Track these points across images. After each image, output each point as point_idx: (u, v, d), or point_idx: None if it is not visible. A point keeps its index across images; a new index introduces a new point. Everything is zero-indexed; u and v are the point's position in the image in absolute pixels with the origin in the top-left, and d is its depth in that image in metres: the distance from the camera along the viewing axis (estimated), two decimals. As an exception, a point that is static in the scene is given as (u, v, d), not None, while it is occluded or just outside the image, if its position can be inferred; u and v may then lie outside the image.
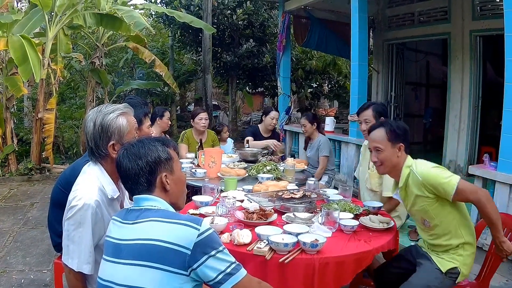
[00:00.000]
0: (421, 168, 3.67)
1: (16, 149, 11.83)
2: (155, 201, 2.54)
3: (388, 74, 12.93)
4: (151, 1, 16.68)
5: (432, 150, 13.42)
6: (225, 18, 15.49)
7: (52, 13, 11.10)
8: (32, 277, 5.66)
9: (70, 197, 2.91)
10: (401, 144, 3.75)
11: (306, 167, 6.89)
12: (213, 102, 21.37)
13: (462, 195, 3.52)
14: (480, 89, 10.37)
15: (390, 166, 3.82)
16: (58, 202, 3.50)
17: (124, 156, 2.57)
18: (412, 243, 6.61)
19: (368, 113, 5.35)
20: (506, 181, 5.70)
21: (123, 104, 3.23)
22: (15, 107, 13.52)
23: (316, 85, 18.53)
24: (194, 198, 4.58)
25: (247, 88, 19.24)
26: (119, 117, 3.03)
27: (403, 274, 3.97)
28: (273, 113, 8.18)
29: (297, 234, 3.44)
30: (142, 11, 16.28)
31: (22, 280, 5.56)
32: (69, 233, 2.87)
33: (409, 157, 3.82)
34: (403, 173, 3.76)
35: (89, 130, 3.05)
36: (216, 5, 15.15)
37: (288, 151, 11.13)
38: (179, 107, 20.40)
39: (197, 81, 19.84)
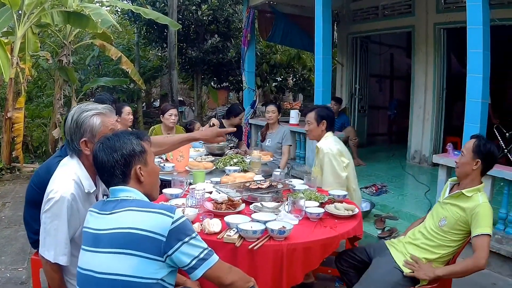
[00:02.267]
0: (485, 201, 3.80)
1: (-15, 149, 11.81)
2: (130, 192, 2.65)
3: (352, 67, 13.12)
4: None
5: (396, 141, 13.66)
6: (190, 14, 15.40)
7: (20, 12, 11.05)
8: (8, 275, 5.65)
9: (47, 190, 3.02)
10: (479, 160, 3.89)
11: (271, 159, 7.00)
12: (179, 98, 21.28)
13: (476, 244, 3.67)
14: (444, 80, 10.58)
15: (463, 172, 3.98)
16: (33, 201, 3.54)
17: (100, 150, 2.67)
18: (379, 231, 6.82)
19: (311, 116, 5.52)
20: (468, 169, 5.83)
21: (105, 105, 3.34)
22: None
23: (280, 79, 18.53)
24: (165, 191, 4.67)
25: (212, 83, 19.14)
26: (94, 116, 3.13)
27: (363, 267, 4.17)
28: (242, 114, 8.50)
29: (265, 222, 3.56)
30: (109, 8, 16.29)
31: (-1, 279, 5.61)
32: (45, 225, 2.98)
33: (483, 185, 3.97)
34: (472, 189, 3.89)
35: (67, 124, 3.19)
36: (181, 1, 15.12)
37: (253, 144, 11.25)
38: (145, 103, 20.28)
39: (162, 77, 19.68)
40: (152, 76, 18.09)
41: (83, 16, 11.07)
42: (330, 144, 5.29)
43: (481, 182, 3.97)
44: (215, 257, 2.59)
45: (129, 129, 7.27)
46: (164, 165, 6.08)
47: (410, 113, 11.31)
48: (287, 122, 10.27)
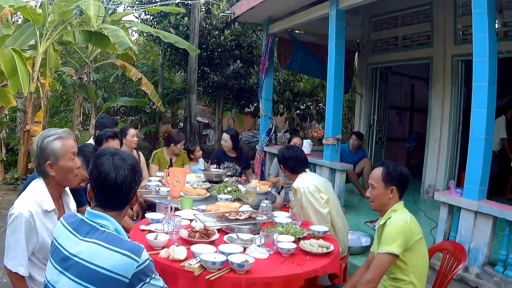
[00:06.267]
0: (397, 217, 3.78)
1: (4, 158, 12.05)
2: (107, 221, 2.65)
3: (372, 98, 12.95)
4: (142, 20, 16.58)
5: (414, 174, 13.42)
6: (213, 39, 15.39)
7: (43, 29, 11.25)
8: (5, 281, 5.77)
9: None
10: (394, 187, 3.85)
11: (269, 189, 6.83)
12: (204, 121, 21.38)
13: (374, 262, 3.73)
14: (460, 114, 10.36)
15: (379, 205, 3.94)
16: None
17: (118, 168, 2.66)
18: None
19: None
20: (470, 208, 5.63)
21: (64, 129, 3.57)
22: (8, 117, 13.69)
23: (304, 107, 18.53)
24: (147, 215, 4.73)
25: (235, 108, 19.12)
26: (55, 141, 3.34)
27: None
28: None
29: (228, 254, 3.57)
30: (135, 28, 16.47)
31: (-5, 284, 5.77)
32: (7, 238, 3.21)
33: (401, 203, 3.93)
34: (387, 214, 3.86)
35: (33, 150, 3.42)
36: (204, 25, 15.16)
37: (267, 172, 11.19)
38: (170, 124, 20.30)
39: (186, 99, 19.87)
40: (175, 98, 18.13)
41: (104, 37, 11.28)
42: (306, 182, 5.18)
43: (397, 201, 3.93)
44: None
45: (134, 151, 7.42)
46: (159, 188, 6.14)
47: (425, 147, 11.14)
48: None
